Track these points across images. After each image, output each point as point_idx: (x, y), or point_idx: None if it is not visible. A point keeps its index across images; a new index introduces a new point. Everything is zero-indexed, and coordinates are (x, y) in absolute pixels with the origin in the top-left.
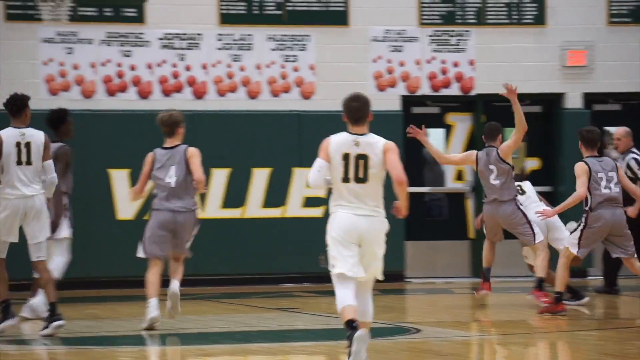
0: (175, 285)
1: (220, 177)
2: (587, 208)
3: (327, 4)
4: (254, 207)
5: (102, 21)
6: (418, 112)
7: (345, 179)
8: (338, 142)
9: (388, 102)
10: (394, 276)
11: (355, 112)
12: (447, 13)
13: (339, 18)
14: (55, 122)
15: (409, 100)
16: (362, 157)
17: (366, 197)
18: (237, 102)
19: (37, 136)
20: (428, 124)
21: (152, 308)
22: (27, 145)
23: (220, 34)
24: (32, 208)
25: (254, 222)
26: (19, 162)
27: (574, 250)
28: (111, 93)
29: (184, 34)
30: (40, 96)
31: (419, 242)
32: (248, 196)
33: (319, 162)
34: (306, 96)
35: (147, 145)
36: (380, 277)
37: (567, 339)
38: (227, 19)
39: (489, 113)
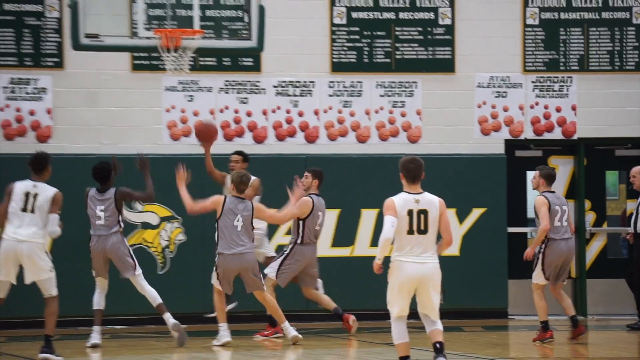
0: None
1: (330, 217)
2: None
3: (433, 52)
4: (362, 247)
5: (221, 70)
6: (521, 156)
7: (410, 232)
8: (402, 201)
9: (492, 145)
10: (497, 313)
11: (414, 172)
12: (550, 60)
13: (446, 66)
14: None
15: (512, 144)
16: (423, 212)
17: (427, 247)
18: (347, 146)
19: (47, 191)
20: (531, 167)
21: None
22: (35, 196)
23: (331, 81)
24: (21, 252)
25: (362, 260)
26: (24, 210)
27: (539, 281)
28: (228, 138)
29: (298, 82)
30: (162, 142)
31: (521, 280)
32: (357, 236)
33: (391, 219)
34: (413, 140)
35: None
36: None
37: None
38: (338, 67)
39: (589, 157)
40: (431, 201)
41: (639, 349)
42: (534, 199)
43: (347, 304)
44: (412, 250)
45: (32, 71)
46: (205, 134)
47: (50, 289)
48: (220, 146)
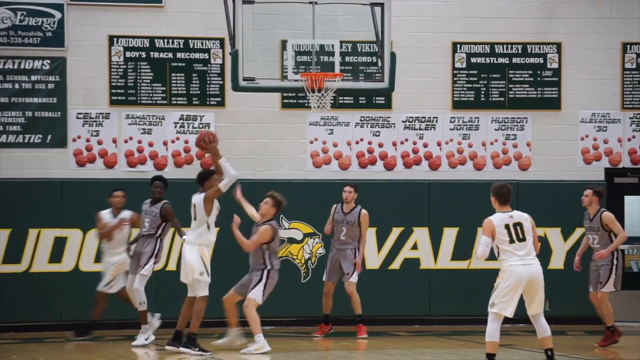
0: None
1: (450, 234)
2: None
3: (542, 92)
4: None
5: (358, 108)
6: (619, 182)
7: (512, 241)
8: (499, 219)
9: (593, 173)
10: (596, 320)
11: (505, 196)
12: None
13: (553, 103)
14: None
15: (611, 172)
16: (519, 224)
17: (528, 251)
18: (465, 172)
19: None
20: (627, 192)
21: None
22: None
23: (452, 117)
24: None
25: (478, 272)
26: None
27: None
28: (363, 166)
29: (423, 117)
30: (307, 169)
31: (627, 291)
32: (474, 250)
33: (486, 239)
34: (523, 168)
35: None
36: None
37: None
38: (458, 104)
39: None
40: (521, 215)
41: None
42: (604, 214)
43: (466, 310)
44: (517, 256)
45: (198, 109)
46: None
47: (198, 291)
48: (355, 173)
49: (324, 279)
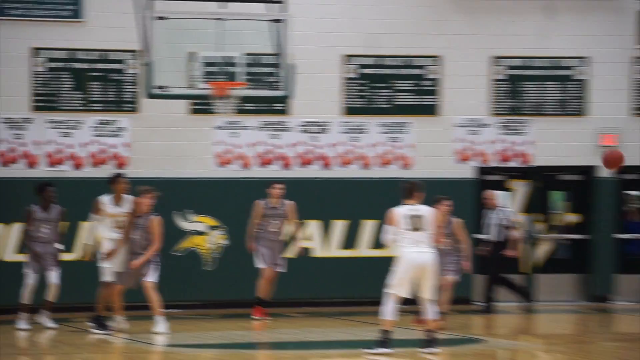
0: None
1: (339, 227)
2: None
3: (423, 99)
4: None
5: (259, 113)
6: (488, 179)
7: (410, 230)
8: (401, 211)
9: (466, 171)
10: (463, 300)
11: (407, 191)
12: (512, 106)
13: (432, 110)
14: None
15: (481, 170)
16: (419, 216)
17: (424, 240)
18: (355, 171)
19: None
20: (495, 188)
21: None
22: None
23: (343, 122)
24: None
25: (364, 260)
26: None
27: None
28: (263, 166)
29: (317, 122)
30: (212, 168)
31: (484, 275)
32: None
33: (388, 228)
34: (407, 167)
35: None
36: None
37: (593, 349)
38: (349, 110)
39: (540, 180)
40: (423, 209)
41: (579, 327)
42: None
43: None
44: (413, 243)
45: (114, 114)
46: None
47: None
48: (255, 171)
49: (260, 265)
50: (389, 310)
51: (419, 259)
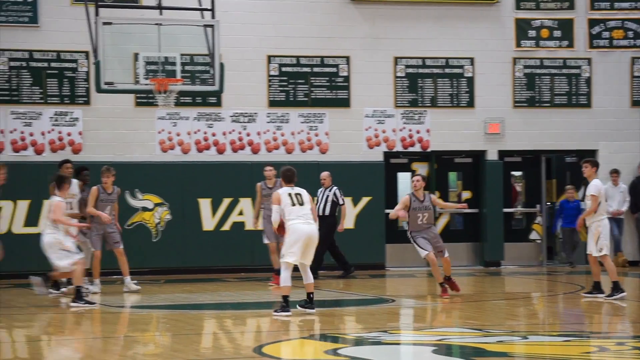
0: None
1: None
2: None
3: (336, 93)
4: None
5: (195, 105)
6: (394, 162)
7: (293, 204)
8: (283, 191)
9: (375, 155)
10: (378, 266)
11: (288, 176)
12: (412, 99)
13: (344, 102)
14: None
15: (388, 155)
16: (298, 194)
17: (307, 214)
18: (279, 155)
19: None
20: (399, 169)
21: None
22: None
23: (268, 113)
24: None
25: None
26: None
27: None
28: (200, 151)
29: (246, 113)
30: (155, 153)
31: (394, 244)
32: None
33: (275, 207)
34: (323, 152)
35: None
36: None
37: (485, 306)
38: (273, 103)
39: (438, 163)
40: (301, 190)
41: (473, 287)
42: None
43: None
44: (299, 217)
45: (69, 107)
46: None
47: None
48: (195, 156)
49: (265, 241)
50: (285, 278)
51: (307, 230)
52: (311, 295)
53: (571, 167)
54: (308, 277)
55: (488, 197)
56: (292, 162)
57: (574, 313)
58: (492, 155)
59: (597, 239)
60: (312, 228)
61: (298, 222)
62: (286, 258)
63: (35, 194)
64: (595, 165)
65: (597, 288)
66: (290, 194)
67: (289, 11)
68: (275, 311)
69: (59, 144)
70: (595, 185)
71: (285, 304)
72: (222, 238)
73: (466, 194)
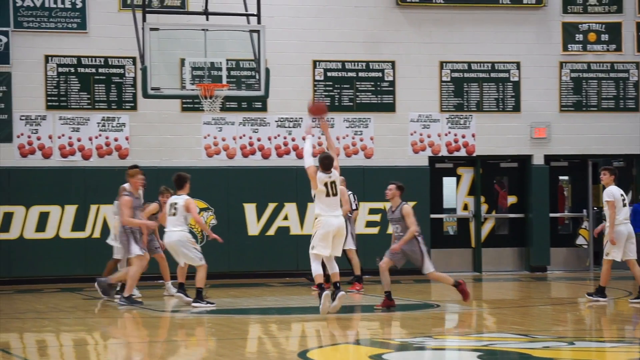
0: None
1: (312, 208)
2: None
3: (381, 98)
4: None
5: (241, 110)
6: (439, 167)
7: (327, 194)
8: (322, 178)
9: (420, 160)
10: None
11: (327, 164)
12: (457, 104)
13: (389, 107)
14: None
15: (433, 159)
16: (333, 183)
17: (336, 205)
18: None
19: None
20: (445, 174)
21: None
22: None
23: (314, 118)
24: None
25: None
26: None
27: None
28: (245, 156)
29: (291, 118)
30: (201, 158)
31: (440, 249)
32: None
33: (309, 151)
34: (368, 157)
35: (269, 191)
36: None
37: (531, 312)
38: None
39: (483, 168)
40: (337, 175)
41: (519, 293)
42: (404, 207)
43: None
44: (329, 208)
45: (116, 112)
46: (316, 110)
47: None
48: (239, 161)
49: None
50: (317, 268)
51: (335, 223)
52: (337, 284)
53: (618, 171)
54: (333, 267)
55: (534, 201)
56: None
57: (621, 319)
58: (538, 160)
59: (605, 243)
60: (340, 221)
61: (328, 216)
62: (317, 250)
63: (82, 199)
64: (614, 173)
65: None
66: (326, 184)
67: (334, 16)
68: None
69: (106, 149)
70: (610, 191)
71: (322, 289)
72: (267, 243)
73: (511, 199)
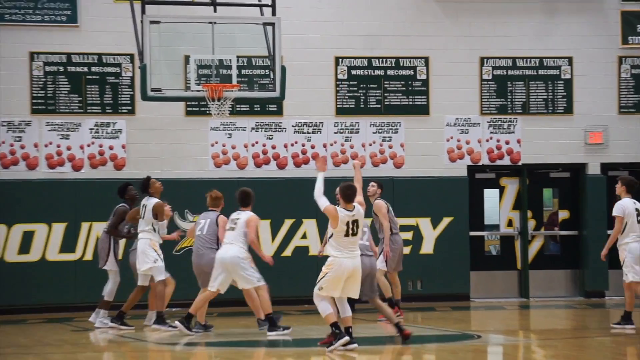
0: None
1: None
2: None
3: (413, 99)
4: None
5: (253, 114)
6: (479, 177)
7: (347, 235)
8: (344, 218)
9: (457, 170)
10: (461, 297)
11: (349, 196)
12: (500, 105)
13: (422, 110)
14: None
15: (472, 169)
16: (356, 222)
17: (355, 244)
18: (347, 170)
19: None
20: (486, 186)
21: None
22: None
23: (336, 122)
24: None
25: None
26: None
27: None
28: (258, 166)
29: (310, 122)
30: (208, 168)
31: (480, 271)
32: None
33: (326, 206)
34: (398, 166)
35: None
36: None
37: (587, 344)
38: (341, 111)
39: (531, 178)
40: (361, 213)
41: (572, 322)
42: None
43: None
44: (347, 248)
45: (111, 116)
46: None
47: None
48: (250, 172)
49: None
50: (325, 307)
51: (348, 266)
52: (349, 330)
53: None
54: (345, 310)
55: (589, 217)
56: (363, 178)
57: None
58: (593, 169)
59: (623, 263)
60: (356, 262)
61: (342, 257)
62: (324, 292)
63: (72, 216)
64: (627, 183)
65: None
66: (348, 222)
67: (359, 6)
68: (328, 343)
69: (100, 159)
70: (620, 205)
71: (339, 331)
72: (284, 265)
73: (563, 214)
